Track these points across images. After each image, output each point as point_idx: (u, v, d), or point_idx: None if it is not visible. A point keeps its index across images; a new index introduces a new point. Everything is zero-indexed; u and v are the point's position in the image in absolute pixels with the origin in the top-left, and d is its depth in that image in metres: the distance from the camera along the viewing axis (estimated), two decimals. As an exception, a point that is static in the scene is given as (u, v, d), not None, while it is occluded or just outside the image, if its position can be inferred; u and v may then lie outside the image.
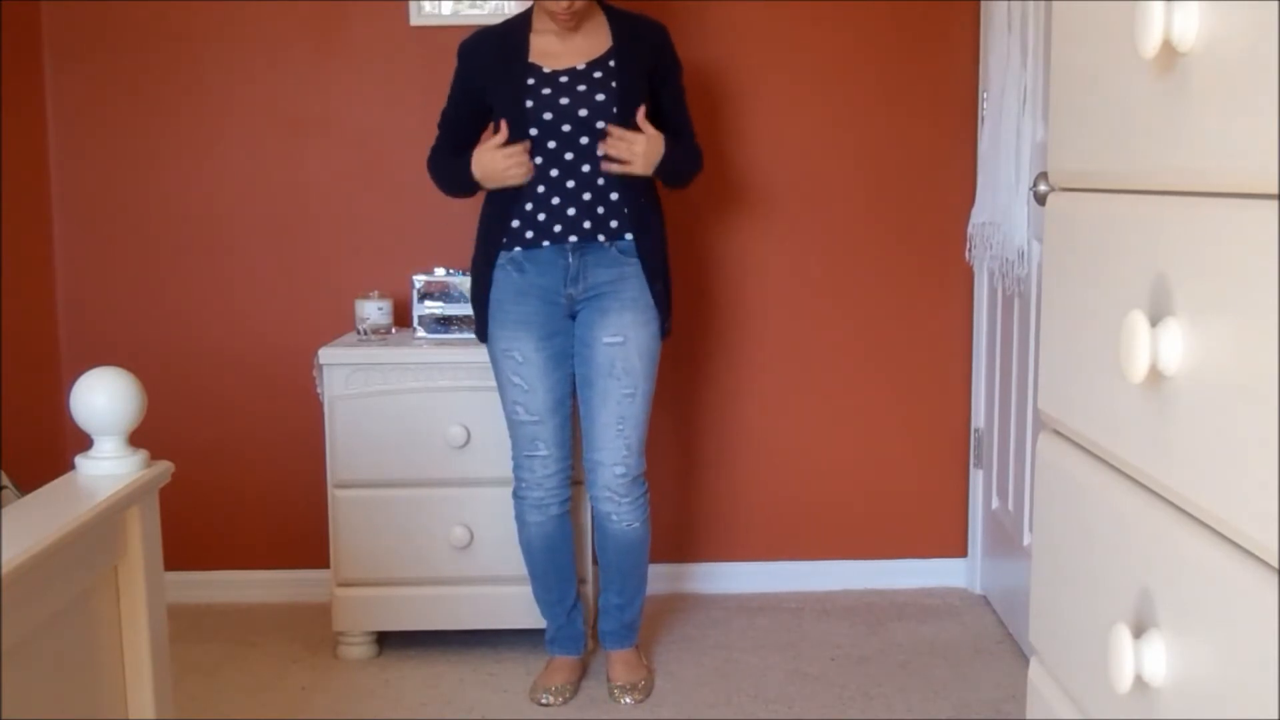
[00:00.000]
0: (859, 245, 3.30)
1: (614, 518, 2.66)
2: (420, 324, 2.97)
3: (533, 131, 2.54)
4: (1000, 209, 2.85)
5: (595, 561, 2.87)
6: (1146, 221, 0.95)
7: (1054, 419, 1.17)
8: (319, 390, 2.89)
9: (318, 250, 3.28)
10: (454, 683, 2.80)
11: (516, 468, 2.70)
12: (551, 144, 2.55)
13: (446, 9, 3.21)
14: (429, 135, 3.24)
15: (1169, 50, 0.88)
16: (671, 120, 2.68)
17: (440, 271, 2.97)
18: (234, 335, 3.30)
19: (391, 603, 2.91)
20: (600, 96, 2.54)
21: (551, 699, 2.68)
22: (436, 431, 2.85)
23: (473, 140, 2.71)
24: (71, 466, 1.58)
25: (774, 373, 3.34)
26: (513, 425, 2.67)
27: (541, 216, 2.57)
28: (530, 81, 2.55)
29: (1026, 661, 2.55)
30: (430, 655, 2.94)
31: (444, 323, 2.96)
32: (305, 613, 3.23)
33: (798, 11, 3.21)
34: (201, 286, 3.29)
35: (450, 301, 2.94)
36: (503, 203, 2.60)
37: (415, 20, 3.20)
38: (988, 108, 3.03)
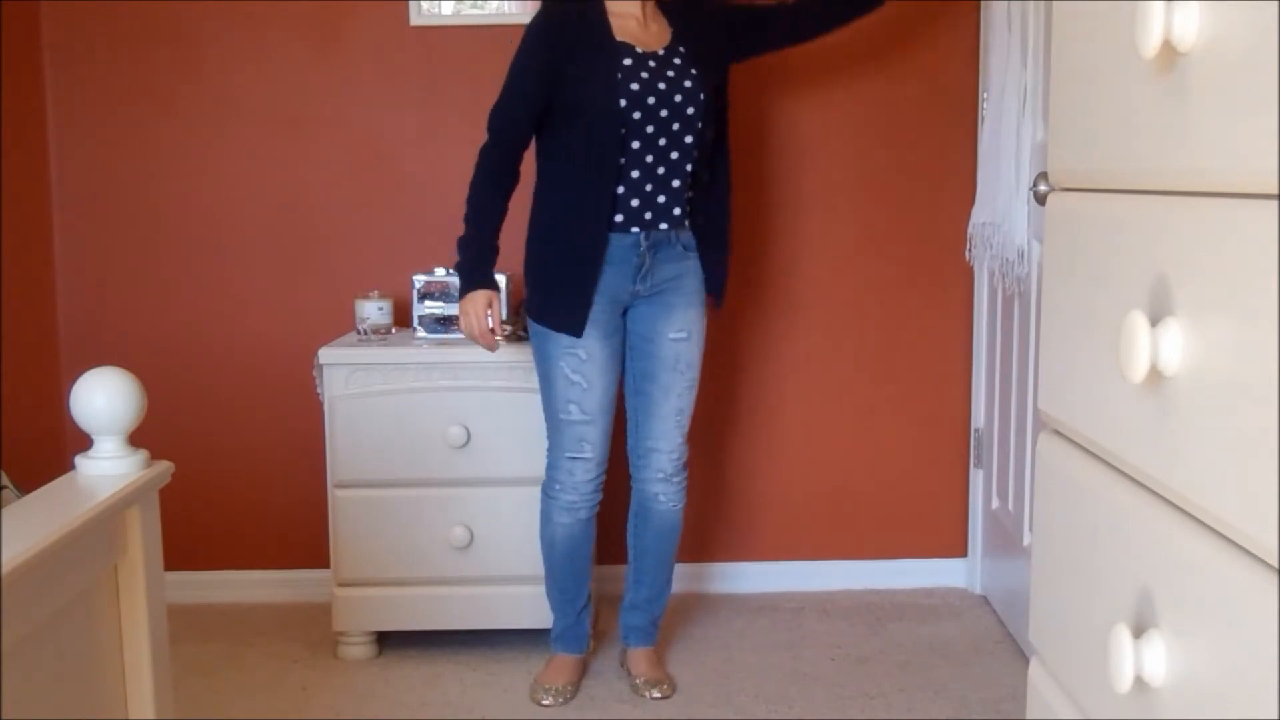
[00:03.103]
0: (858, 246, 3.30)
1: (661, 498, 2.71)
2: (420, 324, 2.97)
3: (636, 115, 2.49)
4: (1000, 209, 2.85)
5: (626, 560, 2.86)
6: (1146, 221, 0.95)
7: (1054, 419, 1.17)
8: (319, 390, 2.89)
9: (318, 250, 3.28)
10: (454, 683, 2.80)
11: (553, 468, 2.67)
12: (650, 129, 2.51)
13: (447, 9, 3.21)
14: (429, 135, 3.25)
15: (1169, 50, 0.88)
16: (760, 11, 2.70)
17: (440, 271, 2.97)
18: (234, 335, 3.30)
19: (391, 603, 2.91)
20: (688, 83, 2.54)
21: (551, 700, 2.68)
22: (436, 431, 2.85)
23: (526, 144, 2.59)
24: (71, 466, 1.58)
25: (772, 373, 3.34)
26: (560, 425, 2.63)
27: (635, 202, 2.54)
28: (627, 62, 2.51)
29: (1026, 661, 2.55)
30: (430, 655, 2.94)
31: (444, 323, 2.96)
32: (305, 613, 3.23)
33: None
34: (202, 286, 3.29)
35: (450, 301, 2.94)
36: (596, 189, 2.51)
37: (415, 20, 3.20)
38: (988, 108, 3.03)
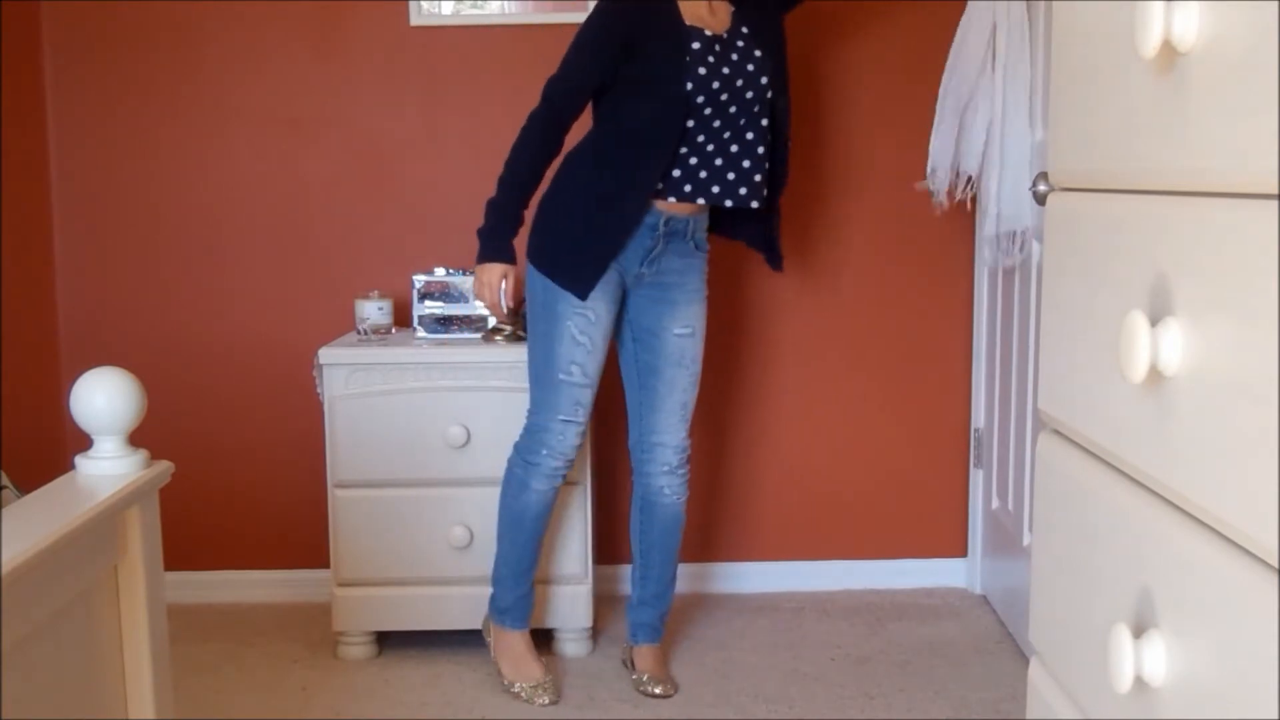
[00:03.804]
0: (858, 245, 3.30)
1: (667, 491, 2.74)
2: (420, 324, 2.97)
3: (699, 99, 2.49)
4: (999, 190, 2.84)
5: (628, 559, 2.86)
6: (1146, 221, 0.95)
7: (1054, 419, 1.17)
8: (319, 390, 2.89)
9: (318, 250, 3.28)
10: (454, 683, 2.80)
11: (542, 431, 2.63)
12: (708, 110, 2.52)
13: (446, 9, 3.21)
14: (429, 135, 3.25)
15: (1169, 50, 0.88)
16: None
17: (440, 271, 2.97)
18: (234, 335, 3.30)
19: (391, 603, 2.91)
20: (751, 66, 2.56)
21: (548, 699, 2.67)
22: (436, 431, 2.85)
23: (577, 116, 2.60)
24: (71, 466, 1.58)
25: (771, 373, 3.34)
26: (558, 386, 2.60)
27: (677, 173, 2.54)
28: (696, 46, 2.51)
29: (1026, 661, 2.55)
30: (430, 655, 2.94)
31: (444, 323, 2.96)
32: (305, 613, 3.23)
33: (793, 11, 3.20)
34: (202, 286, 3.29)
35: (450, 301, 2.94)
36: (646, 163, 2.51)
37: (415, 20, 3.20)
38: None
